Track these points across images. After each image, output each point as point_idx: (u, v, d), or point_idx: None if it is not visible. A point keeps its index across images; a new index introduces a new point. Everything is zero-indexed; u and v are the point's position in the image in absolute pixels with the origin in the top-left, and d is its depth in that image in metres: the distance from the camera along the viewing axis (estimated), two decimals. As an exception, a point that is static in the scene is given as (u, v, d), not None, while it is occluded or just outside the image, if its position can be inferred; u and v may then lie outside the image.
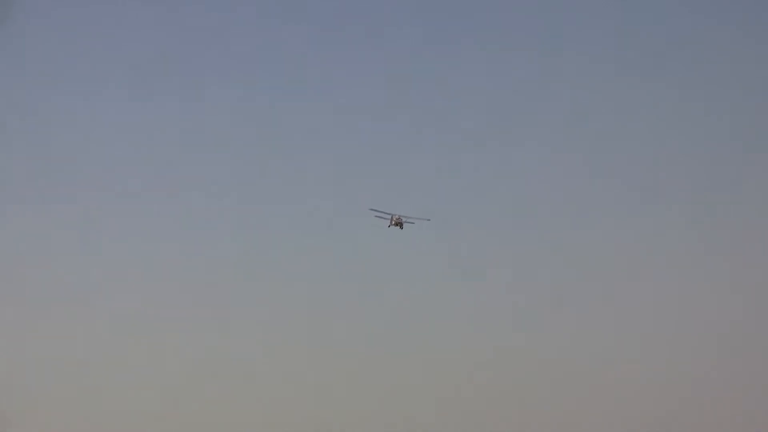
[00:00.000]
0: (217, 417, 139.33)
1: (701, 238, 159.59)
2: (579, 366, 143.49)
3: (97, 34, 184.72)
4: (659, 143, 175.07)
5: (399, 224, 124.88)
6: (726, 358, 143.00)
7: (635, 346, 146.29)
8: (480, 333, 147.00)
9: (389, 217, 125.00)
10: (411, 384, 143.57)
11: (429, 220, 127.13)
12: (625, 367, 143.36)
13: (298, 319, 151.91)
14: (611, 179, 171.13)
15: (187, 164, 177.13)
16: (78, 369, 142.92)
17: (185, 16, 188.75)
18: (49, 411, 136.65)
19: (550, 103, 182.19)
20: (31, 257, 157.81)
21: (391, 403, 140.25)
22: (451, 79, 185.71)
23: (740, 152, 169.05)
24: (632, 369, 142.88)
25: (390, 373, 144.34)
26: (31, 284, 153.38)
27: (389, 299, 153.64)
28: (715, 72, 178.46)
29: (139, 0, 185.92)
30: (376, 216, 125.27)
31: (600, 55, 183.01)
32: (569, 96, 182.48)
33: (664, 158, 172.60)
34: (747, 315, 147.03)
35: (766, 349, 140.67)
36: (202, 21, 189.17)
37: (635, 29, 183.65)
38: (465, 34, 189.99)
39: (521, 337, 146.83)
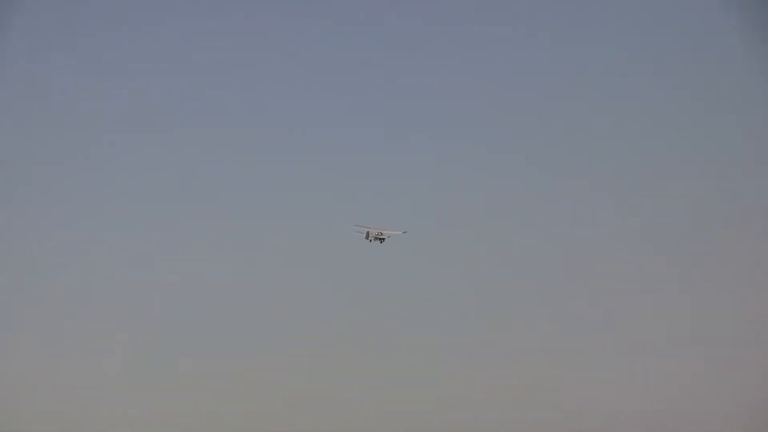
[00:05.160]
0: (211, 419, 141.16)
1: (692, 243, 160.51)
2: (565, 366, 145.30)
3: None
4: (645, 142, 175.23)
5: (379, 239, 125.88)
6: (723, 357, 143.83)
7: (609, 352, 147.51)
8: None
9: (365, 232, 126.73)
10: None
11: (405, 232, 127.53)
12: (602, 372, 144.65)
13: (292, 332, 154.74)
14: (596, 181, 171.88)
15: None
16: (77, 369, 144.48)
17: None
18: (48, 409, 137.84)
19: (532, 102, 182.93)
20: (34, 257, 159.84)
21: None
22: (429, 86, 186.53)
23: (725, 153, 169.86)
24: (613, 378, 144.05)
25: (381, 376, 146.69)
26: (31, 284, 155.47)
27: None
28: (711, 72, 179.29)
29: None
30: (357, 232, 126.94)
31: (583, 51, 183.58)
32: (554, 95, 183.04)
33: (654, 159, 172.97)
34: (744, 315, 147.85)
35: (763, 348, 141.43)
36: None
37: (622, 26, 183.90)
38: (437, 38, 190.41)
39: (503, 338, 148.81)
